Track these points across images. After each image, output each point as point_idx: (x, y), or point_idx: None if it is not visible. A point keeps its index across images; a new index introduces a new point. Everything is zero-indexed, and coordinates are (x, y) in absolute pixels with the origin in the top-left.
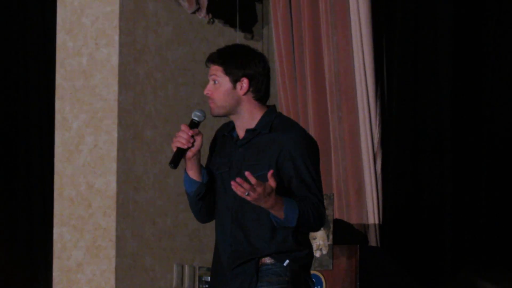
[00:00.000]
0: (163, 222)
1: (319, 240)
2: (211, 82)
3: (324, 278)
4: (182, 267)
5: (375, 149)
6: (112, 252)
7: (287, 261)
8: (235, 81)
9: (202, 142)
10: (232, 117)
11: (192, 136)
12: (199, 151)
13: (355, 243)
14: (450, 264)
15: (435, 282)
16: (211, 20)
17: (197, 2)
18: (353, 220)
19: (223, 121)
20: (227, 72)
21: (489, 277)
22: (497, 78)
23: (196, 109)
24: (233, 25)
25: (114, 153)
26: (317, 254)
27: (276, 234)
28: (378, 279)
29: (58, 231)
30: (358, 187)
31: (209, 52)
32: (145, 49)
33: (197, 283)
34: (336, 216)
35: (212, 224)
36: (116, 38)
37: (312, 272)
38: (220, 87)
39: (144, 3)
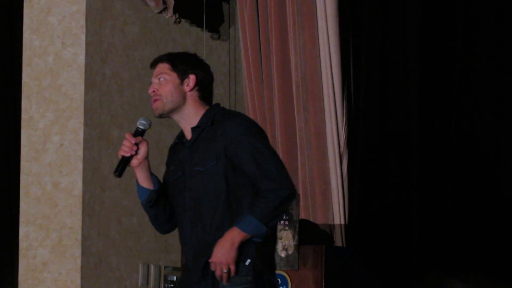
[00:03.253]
0: (129, 222)
1: (285, 240)
2: (155, 81)
3: (290, 278)
4: (148, 267)
5: (341, 150)
6: (78, 252)
7: (249, 260)
8: (182, 77)
9: (148, 150)
10: (176, 117)
11: (136, 144)
12: (146, 158)
13: (321, 243)
14: (417, 264)
15: (401, 282)
16: (178, 20)
17: (164, 2)
18: (319, 220)
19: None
20: (174, 68)
21: (457, 275)
22: (465, 79)
23: (142, 117)
24: (199, 25)
25: (80, 152)
26: (282, 254)
27: None
28: (344, 279)
29: (23, 230)
30: (324, 187)
31: (176, 51)
32: (112, 49)
33: (162, 282)
34: (302, 216)
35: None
36: (83, 37)
37: (277, 272)
38: (166, 83)
39: (111, 3)
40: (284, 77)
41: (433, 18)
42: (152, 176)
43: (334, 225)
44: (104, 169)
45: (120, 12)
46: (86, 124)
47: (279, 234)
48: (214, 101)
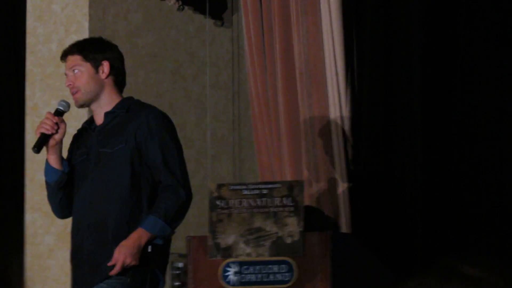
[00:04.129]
0: None
1: (290, 227)
2: (70, 74)
3: (296, 264)
4: None
5: (346, 136)
6: None
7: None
8: (96, 66)
9: (65, 131)
10: (94, 105)
11: (57, 124)
12: (61, 140)
13: (327, 229)
14: (423, 250)
15: (408, 267)
16: (181, 7)
17: None
18: (324, 206)
19: None
20: (87, 58)
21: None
22: (469, 69)
23: (61, 99)
24: (202, 12)
25: None
26: (288, 240)
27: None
28: (350, 265)
29: (29, 217)
30: (329, 173)
31: (179, 38)
32: (115, 36)
33: (168, 268)
34: (307, 202)
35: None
36: (86, 24)
37: (283, 258)
38: (82, 74)
39: None
40: (287, 64)
41: (439, 1)
42: (63, 159)
43: (339, 211)
44: None
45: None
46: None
47: (284, 220)
48: (218, 88)
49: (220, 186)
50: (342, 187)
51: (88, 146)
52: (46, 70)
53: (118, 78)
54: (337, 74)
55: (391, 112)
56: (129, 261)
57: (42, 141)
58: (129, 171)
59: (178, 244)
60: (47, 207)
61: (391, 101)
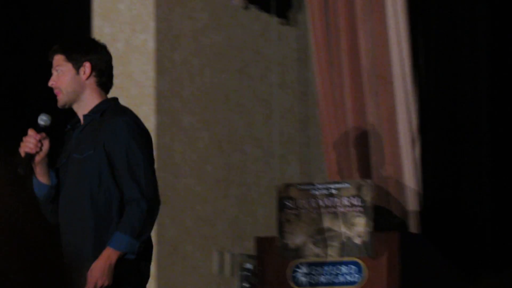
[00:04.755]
0: (202, 209)
1: (359, 227)
2: (54, 73)
3: (366, 265)
4: (222, 254)
5: (414, 135)
6: (153, 239)
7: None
8: (78, 66)
9: (49, 146)
10: (75, 106)
11: (40, 141)
12: (46, 155)
13: (395, 229)
14: (491, 252)
15: (477, 268)
16: (247, 6)
17: None
18: (393, 206)
19: None
20: (69, 59)
21: None
22: None
23: (42, 113)
24: (268, 11)
25: (152, 139)
26: (357, 241)
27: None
28: (419, 266)
29: None
30: (397, 172)
31: (245, 37)
32: (181, 35)
33: (237, 269)
34: (376, 203)
35: (252, 211)
36: (152, 24)
37: (352, 259)
38: (63, 74)
39: None
40: (353, 62)
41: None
42: (50, 171)
43: (408, 211)
44: (177, 156)
45: None
46: (157, 111)
47: (353, 221)
48: (285, 87)
49: (288, 186)
50: (410, 186)
51: (68, 150)
52: (113, 70)
53: (101, 79)
54: (404, 72)
55: (458, 109)
56: (101, 283)
57: (28, 161)
58: (96, 180)
59: (247, 245)
60: None
61: (458, 97)
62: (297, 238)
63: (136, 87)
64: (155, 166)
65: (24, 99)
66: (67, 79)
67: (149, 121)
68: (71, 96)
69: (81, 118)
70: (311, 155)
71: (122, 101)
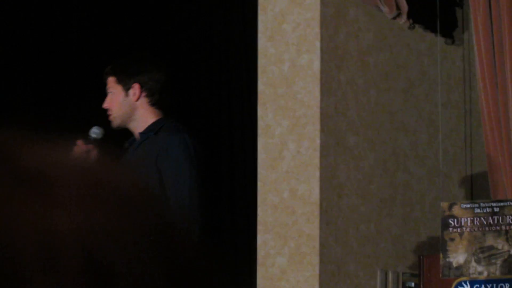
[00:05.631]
0: (366, 228)
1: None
2: (108, 95)
3: None
4: (386, 273)
5: None
6: (316, 259)
7: None
8: (127, 88)
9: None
10: (130, 126)
11: (88, 152)
12: None
13: None
14: None
15: None
16: (412, 25)
17: (398, 8)
18: None
19: None
20: (119, 81)
21: None
22: None
23: (95, 126)
24: (433, 30)
25: (317, 160)
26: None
27: None
28: None
29: (261, 238)
30: None
31: (410, 57)
32: (347, 55)
33: None
34: None
35: (415, 229)
36: (318, 44)
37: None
38: (114, 97)
39: (345, 9)
40: None
41: None
42: None
43: None
44: (341, 176)
45: (355, 19)
46: (322, 131)
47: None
48: (450, 107)
49: (452, 204)
50: None
51: (123, 158)
52: (278, 90)
53: (153, 98)
54: None
55: None
56: None
57: None
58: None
59: (410, 263)
60: (279, 228)
61: None
62: (460, 256)
63: (302, 108)
64: (318, 186)
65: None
66: (116, 103)
67: (314, 142)
68: (121, 119)
69: (137, 136)
70: (475, 174)
71: (287, 122)
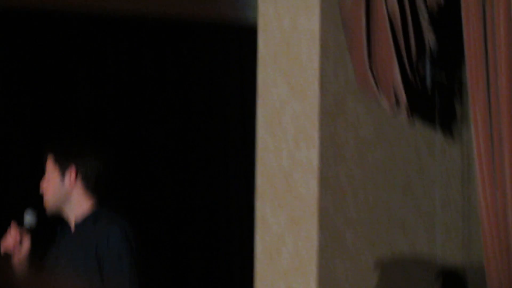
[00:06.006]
0: None
1: None
2: (45, 174)
3: None
4: None
5: None
6: None
7: None
8: (63, 171)
9: (30, 247)
10: (64, 214)
11: (20, 242)
12: (26, 257)
13: None
14: None
15: None
16: (411, 120)
17: (397, 103)
18: None
19: None
20: (56, 162)
21: None
22: None
23: (29, 208)
24: (432, 126)
25: (314, 258)
26: None
27: None
28: None
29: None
30: None
31: (409, 153)
32: (345, 148)
33: None
34: None
35: None
36: (316, 135)
37: None
38: (50, 179)
39: (344, 101)
40: None
41: None
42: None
43: None
44: (339, 273)
45: (353, 111)
46: (320, 227)
47: None
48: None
49: None
50: None
51: (55, 253)
52: (276, 184)
53: (88, 183)
54: None
55: None
56: None
57: (6, 261)
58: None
59: None
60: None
61: None
62: None
63: (299, 203)
64: (316, 284)
65: None
66: (51, 186)
67: (312, 239)
68: (54, 204)
69: (71, 221)
70: (473, 275)
71: (284, 217)
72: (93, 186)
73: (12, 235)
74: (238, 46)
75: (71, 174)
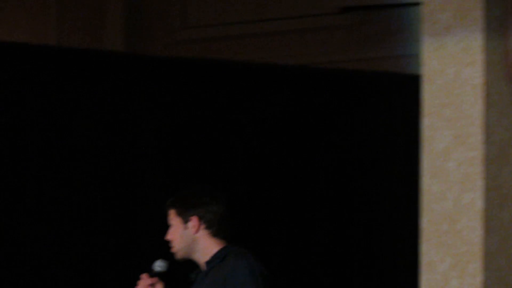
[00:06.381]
0: None
1: None
2: (170, 227)
3: None
4: None
5: None
6: None
7: None
8: (186, 221)
9: None
10: (195, 258)
11: (152, 286)
12: None
13: None
14: None
15: None
16: None
17: None
18: None
19: None
20: (178, 213)
21: None
22: None
23: (159, 259)
24: None
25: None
26: None
27: None
28: None
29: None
30: None
31: None
32: (510, 194)
33: None
34: None
35: None
36: (480, 182)
37: None
38: (174, 230)
39: (509, 148)
40: None
41: None
42: None
43: None
44: None
45: None
46: (485, 269)
47: None
48: None
49: None
50: None
51: None
52: (441, 227)
53: (213, 229)
54: None
55: None
56: None
57: None
58: None
59: None
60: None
61: None
62: None
63: (464, 245)
64: None
65: None
66: (177, 235)
67: (476, 280)
68: (183, 251)
69: (202, 265)
70: None
71: (450, 258)
72: (216, 229)
73: (143, 282)
74: (401, 93)
75: (194, 223)
